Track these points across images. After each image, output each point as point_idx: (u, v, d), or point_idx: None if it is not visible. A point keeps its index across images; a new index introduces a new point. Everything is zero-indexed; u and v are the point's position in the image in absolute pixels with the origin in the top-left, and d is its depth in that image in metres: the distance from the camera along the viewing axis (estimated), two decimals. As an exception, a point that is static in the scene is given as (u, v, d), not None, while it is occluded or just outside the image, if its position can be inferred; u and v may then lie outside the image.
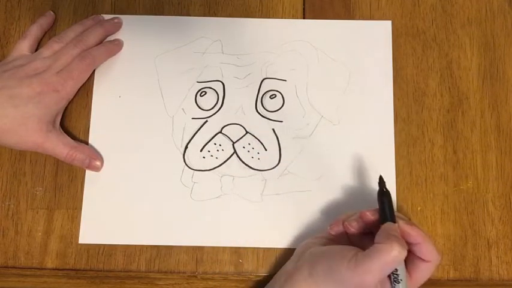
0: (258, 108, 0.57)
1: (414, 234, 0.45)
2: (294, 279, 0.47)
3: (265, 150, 0.56)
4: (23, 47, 0.56)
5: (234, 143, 0.56)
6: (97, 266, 0.53)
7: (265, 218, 0.54)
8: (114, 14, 0.59)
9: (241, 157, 0.55)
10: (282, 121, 0.56)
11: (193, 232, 0.53)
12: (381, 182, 0.48)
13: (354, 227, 0.48)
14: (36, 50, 0.57)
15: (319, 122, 0.56)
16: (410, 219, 0.53)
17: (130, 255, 0.53)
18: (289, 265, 0.49)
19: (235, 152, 0.55)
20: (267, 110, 0.57)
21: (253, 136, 0.56)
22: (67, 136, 0.54)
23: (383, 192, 0.48)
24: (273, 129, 0.56)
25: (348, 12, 0.59)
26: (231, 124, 0.56)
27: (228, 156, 0.55)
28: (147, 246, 0.53)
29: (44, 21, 0.58)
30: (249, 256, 0.53)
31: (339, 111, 0.56)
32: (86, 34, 0.56)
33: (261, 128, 0.56)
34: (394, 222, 0.46)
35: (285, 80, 0.57)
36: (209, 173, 0.55)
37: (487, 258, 0.53)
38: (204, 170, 0.55)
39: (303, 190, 0.54)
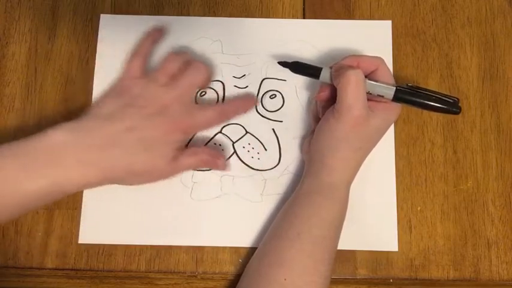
0: (258, 108, 0.57)
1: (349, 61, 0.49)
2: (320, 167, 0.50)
3: (265, 150, 0.56)
4: (136, 68, 0.52)
5: (234, 143, 0.56)
6: (97, 266, 0.53)
7: (265, 218, 0.54)
8: (114, 13, 0.59)
9: (241, 157, 0.55)
10: (282, 121, 0.56)
11: (193, 232, 0.54)
12: (283, 63, 0.52)
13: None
14: None
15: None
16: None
17: (130, 255, 0.53)
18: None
19: (235, 152, 0.55)
20: (267, 110, 0.57)
21: (253, 136, 0.56)
22: (185, 149, 0.52)
23: (290, 66, 0.51)
24: (273, 129, 0.56)
25: (348, 12, 0.59)
26: (231, 124, 0.56)
27: (228, 156, 0.55)
28: (147, 246, 0.53)
29: (158, 37, 0.56)
30: (249, 256, 0.53)
31: (339, 111, 0.56)
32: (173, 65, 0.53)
33: (261, 128, 0.56)
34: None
35: (285, 80, 0.57)
36: (209, 173, 0.55)
37: (487, 258, 0.53)
38: (204, 170, 0.55)
39: (303, 190, 0.54)
